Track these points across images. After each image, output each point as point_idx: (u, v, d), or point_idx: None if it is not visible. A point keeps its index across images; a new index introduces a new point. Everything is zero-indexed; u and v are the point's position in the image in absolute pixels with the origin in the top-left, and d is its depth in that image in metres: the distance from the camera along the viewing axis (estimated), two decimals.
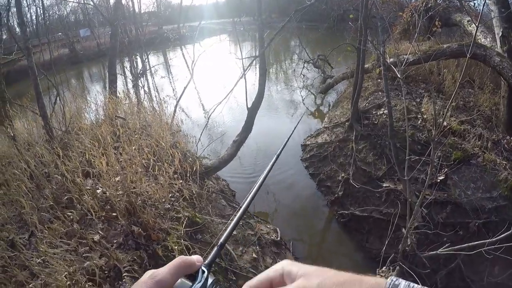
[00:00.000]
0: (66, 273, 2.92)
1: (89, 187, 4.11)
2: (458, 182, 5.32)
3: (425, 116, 6.11)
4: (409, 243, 4.29)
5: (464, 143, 5.83)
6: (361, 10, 6.04)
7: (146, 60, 13.57)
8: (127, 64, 13.43)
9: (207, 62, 11.98)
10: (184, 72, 14.43)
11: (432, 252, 4.10)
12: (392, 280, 0.55)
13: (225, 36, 26.75)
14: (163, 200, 4.13)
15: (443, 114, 4.92)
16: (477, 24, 3.46)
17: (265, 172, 1.10)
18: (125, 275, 3.10)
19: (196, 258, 0.67)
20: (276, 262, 3.41)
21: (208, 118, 6.97)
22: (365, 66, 6.97)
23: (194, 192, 4.54)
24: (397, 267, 4.23)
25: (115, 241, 3.52)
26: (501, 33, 5.89)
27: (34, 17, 24.65)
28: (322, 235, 5.98)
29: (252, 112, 5.84)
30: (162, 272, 0.61)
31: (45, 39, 14.09)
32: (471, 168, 5.48)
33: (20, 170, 4.48)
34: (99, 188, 4.14)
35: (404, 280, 0.55)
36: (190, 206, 4.38)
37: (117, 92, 7.63)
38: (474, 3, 9.72)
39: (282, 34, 6.95)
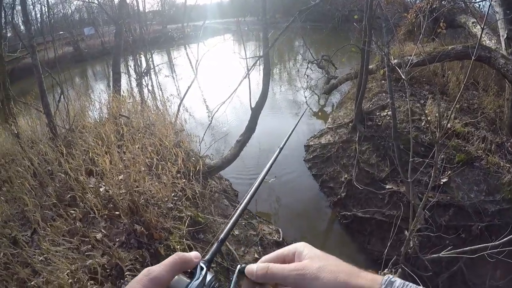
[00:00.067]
0: (68, 271, 2.92)
1: (92, 186, 4.11)
2: (461, 184, 5.30)
3: (429, 118, 6.09)
4: (411, 245, 4.28)
5: (467, 146, 5.81)
6: (365, 11, 6.03)
7: (150, 59, 13.61)
8: (131, 63, 13.46)
9: (211, 61, 11.98)
10: (188, 71, 14.42)
11: (434, 255, 4.08)
12: (388, 277, 0.59)
13: (229, 35, 26.76)
14: (166, 199, 4.14)
15: (447, 116, 4.91)
16: (482, 26, 3.44)
17: (268, 165, 1.12)
18: (127, 274, 3.10)
19: (193, 254, 0.67)
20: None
21: (212, 118, 6.97)
22: (369, 67, 6.96)
23: (197, 191, 4.54)
24: (399, 270, 4.21)
25: (117, 240, 3.52)
26: (506, 35, 5.87)
27: (38, 15, 24.76)
28: (324, 236, 5.98)
29: (256, 112, 5.83)
30: (157, 269, 0.61)
31: (50, 37, 14.11)
32: (474, 170, 5.46)
33: (23, 167, 4.49)
34: (102, 186, 4.15)
35: (400, 279, 0.58)
36: (192, 206, 4.38)
37: (121, 91, 7.66)
38: (479, 5, 9.70)
39: (286, 34, 6.93)
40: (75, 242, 3.29)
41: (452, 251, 3.84)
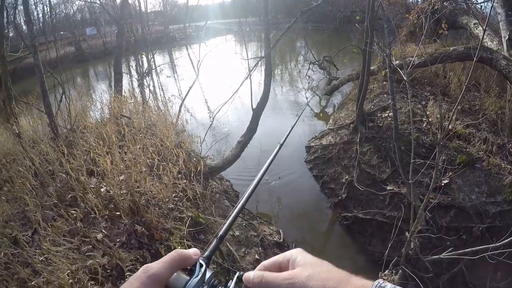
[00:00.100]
0: (68, 271, 2.93)
1: (93, 186, 4.12)
2: (462, 186, 5.29)
3: (430, 119, 6.08)
4: (412, 246, 4.28)
5: (469, 147, 5.79)
6: (367, 12, 6.02)
7: (152, 60, 13.61)
8: (133, 63, 13.45)
9: (213, 62, 11.99)
10: (190, 72, 14.45)
11: (435, 256, 4.08)
12: (378, 283, 0.58)
13: (231, 36, 26.76)
14: (167, 199, 4.14)
15: (449, 118, 4.90)
16: (484, 28, 3.44)
17: (269, 161, 1.12)
18: (128, 274, 3.10)
19: (193, 251, 0.67)
20: None
21: (213, 118, 6.98)
22: (371, 68, 6.95)
23: (197, 192, 4.54)
24: (400, 271, 4.21)
25: (118, 240, 3.52)
26: (507, 36, 5.86)
27: (41, 15, 24.81)
28: (325, 238, 5.97)
29: (257, 113, 5.83)
30: (156, 266, 0.61)
31: (52, 37, 14.15)
32: (475, 172, 5.45)
33: (24, 167, 4.50)
34: (103, 186, 4.15)
35: (390, 284, 0.58)
36: (193, 206, 4.38)
37: (123, 91, 7.66)
38: (481, 6, 9.69)
39: (288, 35, 6.94)
40: (75, 242, 3.30)
41: (453, 252, 3.83)
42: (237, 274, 0.69)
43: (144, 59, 13.74)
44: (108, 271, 3.13)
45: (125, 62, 12.82)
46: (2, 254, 3.24)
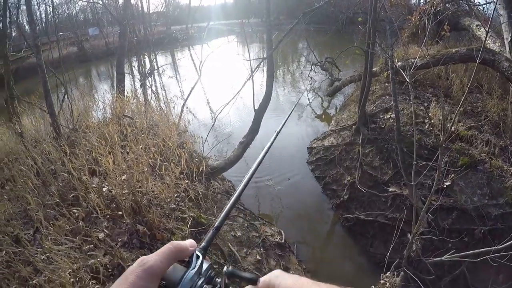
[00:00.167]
0: (70, 270, 2.92)
1: (95, 185, 4.12)
2: (465, 188, 5.29)
3: (432, 121, 6.08)
4: (414, 248, 4.27)
5: (471, 149, 5.78)
6: (369, 13, 6.02)
7: (154, 60, 13.61)
8: (135, 64, 13.46)
9: (215, 63, 11.99)
10: (192, 72, 14.45)
11: (437, 259, 4.08)
12: None
13: (233, 37, 26.73)
14: (169, 200, 4.14)
15: (451, 119, 4.89)
16: (487, 29, 3.43)
17: (266, 148, 1.11)
18: None
19: (189, 242, 0.66)
20: (280, 265, 3.39)
21: (215, 119, 6.98)
22: (373, 69, 6.95)
23: (199, 192, 4.54)
24: (402, 273, 4.20)
25: (119, 240, 3.52)
26: (510, 38, 5.86)
27: (43, 15, 24.88)
28: (327, 239, 5.97)
29: (259, 113, 5.83)
30: (152, 258, 0.61)
31: (54, 37, 14.16)
32: (477, 174, 5.45)
33: (26, 166, 4.50)
34: (105, 186, 4.15)
35: None
36: (195, 207, 4.38)
37: (125, 91, 7.66)
38: (483, 7, 9.68)
39: (290, 36, 6.94)
40: (77, 242, 3.29)
41: (455, 254, 3.83)
42: (224, 270, 0.66)
43: (147, 59, 13.77)
44: (110, 270, 3.13)
45: (127, 62, 12.82)
46: (4, 252, 3.24)
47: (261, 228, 5.00)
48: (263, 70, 8.45)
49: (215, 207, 4.79)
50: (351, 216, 5.83)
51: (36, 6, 23.25)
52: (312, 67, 12.77)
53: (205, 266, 0.65)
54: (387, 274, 4.39)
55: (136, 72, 13.14)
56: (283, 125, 1.36)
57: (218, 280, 0.65)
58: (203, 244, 0.70)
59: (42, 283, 2.88)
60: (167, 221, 3.81)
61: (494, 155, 5.66)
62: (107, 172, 4.18)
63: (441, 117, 4.75)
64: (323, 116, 10.25)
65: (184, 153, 4.93)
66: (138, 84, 12.33)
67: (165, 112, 6.78)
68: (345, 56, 11.53)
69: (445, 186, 5.26)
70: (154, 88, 11.89)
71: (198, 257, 0.66)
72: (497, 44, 6.52)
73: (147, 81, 11.49)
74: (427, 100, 7.27)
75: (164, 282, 0.61)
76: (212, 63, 9.47)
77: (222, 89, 11.03)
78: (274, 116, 9.68)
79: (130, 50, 11.80)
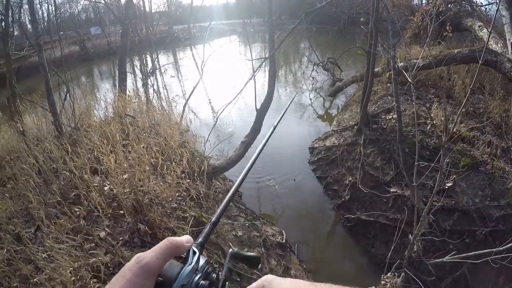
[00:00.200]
0: (71, 268, 2.93)
1: (96, 184, 4.12)
2: (466, 189, 5.28)
3: (434, 122, 6.07)
4: (415, 249, 4.27)
5: (473, 150, 5.78)
6: (372, 14, 6.02)
7: (156, 59, 13.63)
8: (137, 63, 13.49)
9: (217, 62, 11.98)
10: (194, 72, 14.46)
11: (438, 260, 4.07)
12: None
13: (235, 37, 26.75)
14: (170, 199, 4.14)
15: (453, 120, 4.88)
16: (490, 30, 3.43)
17: (262, 143, 1.10)
18: None
19: (185, 238, 0.66)
20: (280, 265, 3.39)
21: (217, 119, 6.98)
22: (375, 70, 6.94)
23: (201, 192, 4.53)
24: (402, 274, 4.20)
25: (121, 239, 3.52)
26: None
27: (45, 14, 24.90)
28: (328, 239, 5.97)
29: (261, 113, 5.83)
30: (148, 255, 0.61)
31: (56, 36, 14.19)
32: (479, 175, 5.44)
33: (28, 165, 4.51)
34: (107, 185, 4.16)
35: None
36: (196, 206, 4.38)
37: (127, 91, 7.67)
38: (485, 8, 9.67)
39: (292, 36, 6.94)
40: (78, 240, 3.30)
41: (456, 256, 3.82)
42: (230, 251, 0.68)
43: (149, 59, 13.76)
44: (111, 269, 3.13)
45: (129, 61, 12.84)
46: (5, 250, 3.24)
47: (262, 228, 5.00)
48: (265, 70, 8.44)
49: (216, 206, 4.79)
50: (352, 216, 5.83)
51: (38, 5, 23.27)
52: (314, 67, 12.75)
53: (201, 262, 0.65)
54: (388, 274, 4.38)
55: (138, 71, 13.17)
56: (279, 120, 1.35)
57: (215, 275, 0.65)
58: (199, 240, 0.70)
59: (43, 281, 2.88)
60: (168, 220, 3.81)
61: (496, 156, 5.65)
62: (108, 171, 4.18)
63: (443, 118, 4.75)
64: (325, 116, 10.25)
65: (186, 153, 4.92)
66: (140, 83, 12.35)
67: (167, 111, 6.79)
68: (347, 56, 11.52)
69: (446, 187, 5.25)
70: (156, 88, 11.91)
71: (194, 253, 0.66)
72: (499, 45, 6.52)
73: (149, 80, 11.51)
74: (429, 101, 7.26)
75: (161, 279, 0.61)
76: (214, 62, 9.48)
77: (224, 88, 11.03)
78: (276, 115, 9.68)
79: (132, 49, 11.81)
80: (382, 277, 4.40)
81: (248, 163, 0.92)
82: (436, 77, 7.63)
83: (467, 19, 8.65)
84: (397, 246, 4.46)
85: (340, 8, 21.62)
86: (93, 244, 3.31)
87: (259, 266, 0.64)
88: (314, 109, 10.88)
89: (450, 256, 3.87)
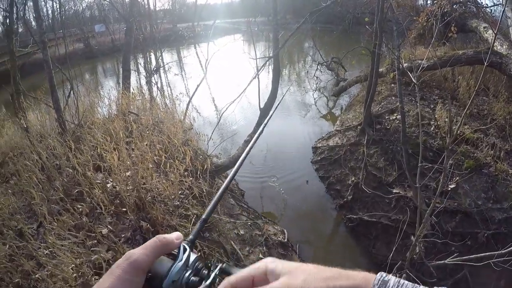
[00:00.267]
0: (73, 265, 2.94)
1: (99, 181, 4.13)
2: (469, 191, 5.26)
3: (438, 123, 6.05)
4: (417, 251, 4.26)
5: (476, 152, 5.76)
6: (376, 14, 6.00)
7: (160, 57, 13.62)
8: (141, 61, 13.48)
9: (221, 61, 11.98)
10: (198, 70, 14.48)
11: (439, 262, 4.06)
12: (381, 276, 0.54)
13: (239, 35, 26.74)
14: (173, 197, 4.14)
15: (457, 122, 4.87)
16: (495, 32, 3.42)
17: (255, 137, 1.09)
18: None
19: (175, 235, 0.66)
20: None
21: (220, 117, 6.99)
22: (379, 70, 6.92)
23: (203, 190, 4.54)
24: (404, 275, 4.19)
25: (123, 236, 3.53)
26: None
27: (50, 11, 24.92)
28: (329, 239, 5.96)
29: (265, 112, 5.83)
30: (137, 252, 0.61)
31: (61, 33, 14.19)
32: (482, 177, 5.42)
33: (31, 161, 4.52)
34: (110, 182, 4.17)
35: (394, 277, 0.54)
36: (199, 204, 4.38)
37: (131, 88, 7.68)
38: (491, 10, 9.63)
39: (297, 35, 6.92)
40: (80, 237, 3.31)
41: (458, 258, 3.81)
42: (219, 266, 0.65)
43: (152, 56, 13.77)
44: None
45: (133, 59, 12.84)
46: (7, 246, 3.26)
47: (264, 227, 5.00)
48: (269, 69, 8.43)
49: (218, 205, 4.79)
50: (355, 216, 5.81)
51: (43, 2, 23.27)
52: (318, 66, 12.73)
53: (192, 258, 0.65)
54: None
55: (142, 69, 13.16)
56: (270, 116, 1.34)
57: (206, 272, 0.65)
58: (190, 237, 0.71)
59: (45, 277, 2.89)
60: (170, 218, 3.82)
61: (500, 158, 5.63)
62: (111, 168, 4.19)
63: (447, 119, 4.73)
64: (328, 116, 10.22)
65: (189, 151, 4.93)
66: (143, 81, 12.35)
67: (171, 109, 6.80)
68: (351, 56, 11.49)
69: (449, 189, 5.24)
70: (159, 85, 11.89)
71: (185, 249, 0.66)
72: (504, 47, 6.50)
73: (152, 78, 11.50)
74: (433, 102, 7.24)
75: (152, 275, 0.62)
76: (218, 61, 9.48)
77: (228, 87, 11.03)
78: (279, 115, 9.68)
79: (136, 47, 11.82)
80: None
81: (237, 162, 0.91)
82: (441, 78, 7.61)
83: (472, 20, 8.62)
84: (398, 247, 4.44)
85: (345, 7, 21.59)
86: (95, 241, 3.32)
87: None
88: (318, 109, 10.86)
89: (451, 258, 3.86)
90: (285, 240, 5.07)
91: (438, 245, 4.56)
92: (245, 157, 0.98)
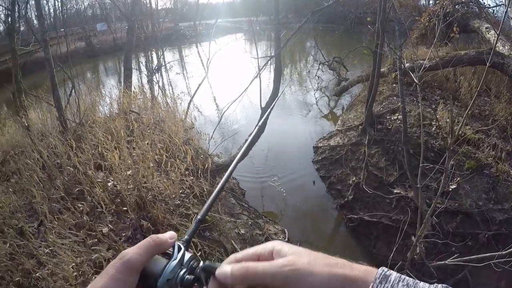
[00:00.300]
0: (73, 263, 2.94)
1: (100, 180, 4.14)
2: (470, 192, 5.26)
3: (440, 123, 6.04)
4: (417, 251, 4.25)
5: (478, 153, 5.75)
6: (378, 13, 5.99)
7: (162, 56, 13.62)
8: (142, 59, 13.47)
9: (222, 60, 11.96)
10: (199, 69, 14.46)
11: (440, 262, 4.05)
12: (383, 270, 0.56)
13: (241, 35, 26.72)
14: (174, 196, 4.15)
15: (459, 122, 4.87)
16: (498, 32, 3.41)
17: (253, 133, 1.10)
18: None
19: (169, 235, 0.67)
20: None
21: (222, 116, 6.98)
22: (381, 70, 6.91)
23: (204, 189, 4.54)
24: (404, 275, 4.18)
25: (123, 235, 3.54)
26: None
27: (52, 10, 24.91)
28: (330, 239, 5.95)
29: (266, 111, 5.81)
30: (131, 252, 0.61)
31: (63, 32, 14.19)
32: (483, 178, 5.42)
33: (32, 160, 4.53)
34: (110, 181, 4.17)
35: (396, 272, 0.56)
36: (200, 203, 4.38)
37: (132, 87, 7.69)
38: (493, 10, 9.61)
39: (298, 34, 6.91)
40: (81, 236, 3.31)
41: (458, 258, 3.80)
42: (201, 264, 0.65)
43: (154, 55, 13.76)
44: None
45: (135, 58, 12.82)
46: (8, 245, 3.26)
47: (265, 226, 5.00)
48: (270, 68, 8.42)
49: (219, 204, 4.80)
50: (355, 216, 5.81)
51: (45, 1, 23.26)
52: (320, 66, 12.70)
53: (187, 257, 0.65)
54: None
55: (143, 68, 13.15)
56: (271, 108, 1.33)
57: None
58: (185, 237, 0.70)
59: (45, 276, 2.89)
60: (171, 217, 3.82)
61: (501, 159, 5.62)
62: (112, 167, 4.20)
63: (448, 120, 4.72)
64: (330, 116, 10.21)
65: (190, 150, 4.94)
66: (145, 80, 12.34)
67: (172, 108, 6.80)
68: (353, 56, 11.46)
69: (450, 189, 5.23)
70: (161, 84, 11.89)
71: (180, 248, 0.66)
72: (506, 47, 6.48)
73: (154, 77, 11.50)
74: (435, 102, 7.23)
75: (146, 274, 0.62)
76: (219, 60, 9.47)
77: (229, 86, 11.02)
78: (281, 114, 9.68)
79: (137, 46, 11.80)
80: None
81: (232, 163, 0.90)
82: (442, 79, 7.60)
83: (475, 21, 8.60)
84: (399, 248, 4.44)
85: (347, 7, 21.49)
86: (96, 239, 3.33)
87: None
88: (319, 108, 10.84)
89: (452, 259, 3.85)
90: (286, 239, 5.06)
91: (439, 245, 4.56)
92: (242, 155, 0.99)
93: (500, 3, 9.21)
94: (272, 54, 6.03)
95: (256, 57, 5.92)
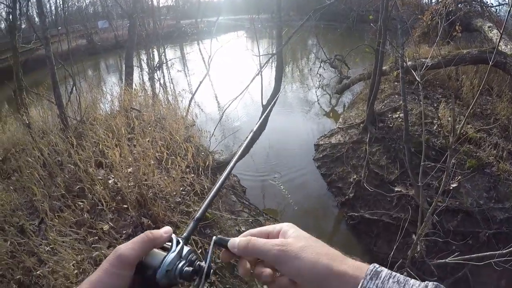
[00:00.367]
0: (74, 261, 2.94)
1: (101, 177, 4.14)
2: (471, 190, 5.25)
3: (441, 122, 6.04)
4: (418, 249, 4.25)
5: (479, 151, 5.75)
6: (381, 12, 5.97)
7: (163, 54, 13.63)
8: (144, 57, 13.51)
9: (224, 57, 11.95)
10: (201, 67, 14.47)
11: (441, 260, 4.05)
12: (374, 267, 0.57)
13: (242, 32, 26.70)
14: (174, 193, 4.14)
15: (460, 121, 4.85)
16: (501, 32, 3.40)
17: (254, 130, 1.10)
18: None
19: (164, 230, 0.68)
20: None
21: (223, 114, 6.98)
22: (382, 68, 6.90)
23: (205, 186, 4.53)
24: (405, 273, 4.18)
25: (124, 232, 3.54)
26: None
27: (53, 7, 24.92)
28: (331, 236, 5.95)
29: (267, 109, 5.81)
30: (125, 246, 0.63)
31: (64, 29, 14.21)
32: (484, 177, 5.41)
33: (33, 157, 4.53)
34: (111, 178, 4.17)
35: (387, 269, 0.57)
36: (200, 201, 4.37)
37: (133, 84, 7.69)
38: (496, 9, 9.58)
39: (300, 32, 6.90)
40: (82, 233, 3.31)
41: (459, 257, 3.80)
42: (214, 238, 0.70)
43: (155, 53, 13.78)
44: None
45: (136, 55, 12.86)
46: (9, 242, 3.26)
47: (266, 224, 4.99)
48: (272, 66, 8.42)
49: (220, 201, 4.79)
50: (356, 214, 5.81)
51: None
52: (321, 64, 12.69)
53: (185, 250, 0.66)
54: None
55: (144, 65, 13.20)
56: (272, 106, 1.33)
57: (199, 263, 0.66)
58: (184, 234, 0.71)
59: (46, 274, 2.89)
60: (172, 215, 3.82)
61: (502, 158, 5.61)
62: (113, 165, 4.20)
63: (450, 118, 4.71)
64: (331, 114, 10.21)
65: (191, 147, 4.93)
66: (146, 77, 12.36)
67: (173, 105, 6.80)
68: (355, 54, 11.46)
69: (451, 188, 5.22)
70: (162, 82, 11.91)
71: (178, 242, 0.67)
72: (509, 46, 6.46)
73: (155, 74, 11.52)
74: (436, 101, 7.22)
75: (144, 267, 0.63)
76: (221, 57, 9.46)
77: (231, 84, 11.01)
78: (282, 112, 9.68)
79: (139, 43, 11.83)
80: None
81: (231, 162, 0.90)
82: (445, 77, 7.58)
83: (477, 20, 8.57)
84: (400, 246, 4.43)
85: (349, 5, 21.44)
86: (97, 237, 3.33)
87: None
88: (320, 106, 10.84)
89: (453, 257, 3.85)
90: None
91: (440, 244, 4.56)
92: (243, 153, 0.99)
93: (503, 2, 9.19)
94: (274, 51, 6.02)
95: (258, 54, 5.91)
